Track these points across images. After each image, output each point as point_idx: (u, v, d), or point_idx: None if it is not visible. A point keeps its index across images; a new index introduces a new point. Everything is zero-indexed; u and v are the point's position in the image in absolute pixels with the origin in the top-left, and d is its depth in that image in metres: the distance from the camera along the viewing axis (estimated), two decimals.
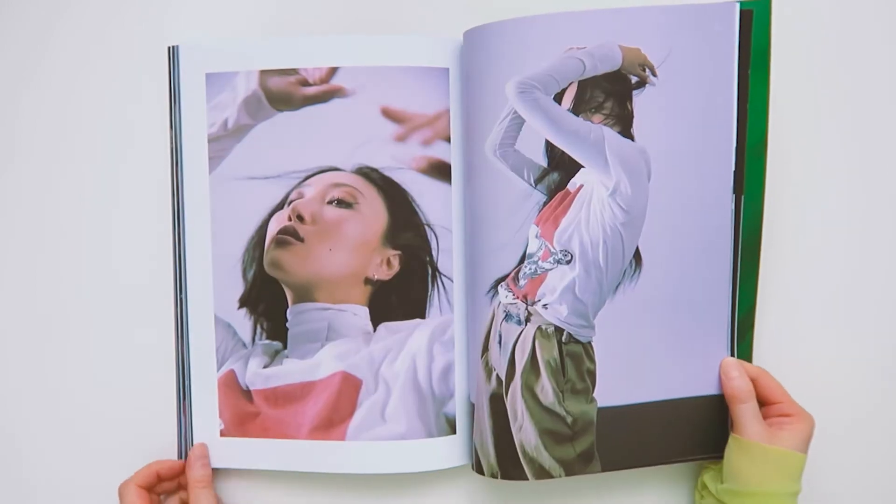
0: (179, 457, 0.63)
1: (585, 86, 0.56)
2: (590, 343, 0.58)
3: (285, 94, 0.60)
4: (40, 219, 0.64)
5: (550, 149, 0.56)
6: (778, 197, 0.61)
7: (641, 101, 0.56)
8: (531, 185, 0.56)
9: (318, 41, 0.60)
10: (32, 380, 0.64)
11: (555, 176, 0.56)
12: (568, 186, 0.57)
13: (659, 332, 0.58)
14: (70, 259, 0.64)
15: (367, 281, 0.61)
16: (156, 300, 0.63)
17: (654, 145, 0.56)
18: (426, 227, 0.61)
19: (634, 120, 0.56)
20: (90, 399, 0.64)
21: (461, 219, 0.60)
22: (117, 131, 0.63)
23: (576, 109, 0.56)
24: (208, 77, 0.60)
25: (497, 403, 0.58)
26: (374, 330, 0.61)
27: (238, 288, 0.61)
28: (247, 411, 0.62)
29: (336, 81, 0.60)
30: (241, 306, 0.62)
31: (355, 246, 0.61)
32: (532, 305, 0.57)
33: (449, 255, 0.61)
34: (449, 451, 0.61)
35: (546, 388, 0.57)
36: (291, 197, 0.61)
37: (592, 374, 0.58)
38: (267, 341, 0.62)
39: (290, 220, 0.61)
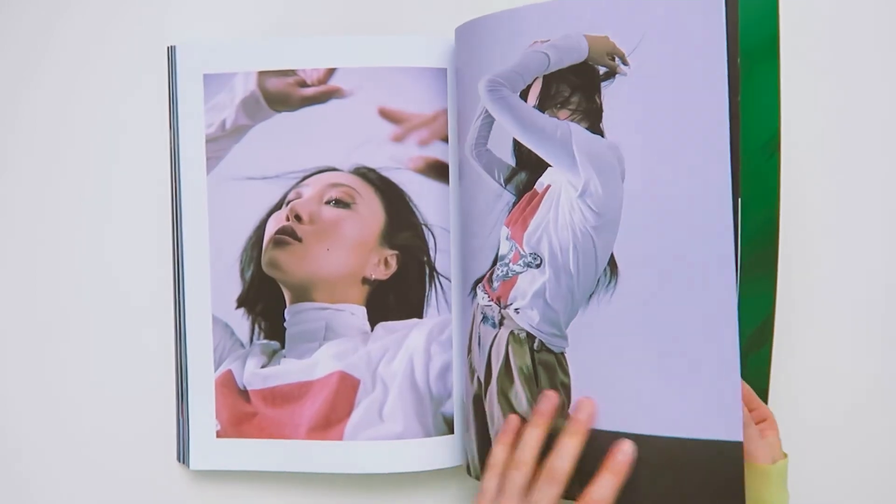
0: (179, 458, 0.62)
1: (550, 80, 0.53)
2: (563, 354, 0.54)
3: (283, 94, 0.60)
4: (38, 219, 0.64)
5: (518, 148, 0.54)
6: (794, 201, 0.59)
7: (612, 94, 0.51)
8: (501, 184, 0.55)
9: (316, 42, 0.60)
10: (30, 381, 0.64)
11: (522, 176, 0.54)
12: (535, 186, 0.54)
13: (642, 352, 0.51)
14: (68, 259, 0.64)
15: (365, 281, 0.61)
16: (154, 300, 0.63)
17: (627, 142, 0.51)
18: (423, 227, 0.61)
19: (604, 114, 0.52)
20: (88, 399, 0.64)
21: (454, 219, 0.61)
22: (115, 132, 0.63)
23: (541, 106, 0.53)
24: (206, 77, 0.61)
25: (478, 405, 0.57)
26: (372, 329, 0.61)
27: (236, 288, 0.61)
28: (244, 411, 0.61)
29: (334, 82, 0.60)
30: (238, 306, 0.62)
31: (353, 246, 0.61)
32: (505, 308, 0.55)
33: (447, 254, 0.61)
34: (446, 451, 0.61)
35: (520, 395, 0.55)
36: (289, 197, 0.61)
37: (567, 388, 0.53)
38: (265, 341, 0.62)
39: (287, 220, 0.61)
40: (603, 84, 0.52)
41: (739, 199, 0.52)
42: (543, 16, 0.53)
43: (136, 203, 0.63)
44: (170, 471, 0.64)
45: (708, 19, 0.50)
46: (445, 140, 0.60)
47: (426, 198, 0.60)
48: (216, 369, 0.62)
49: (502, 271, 0.56)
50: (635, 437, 0.51)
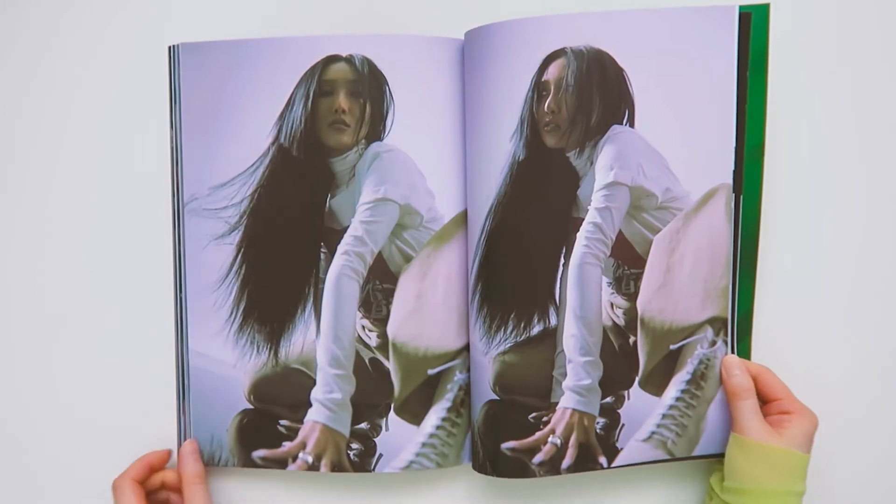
0: None
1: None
2: None
3: None
4: (39, 219, 0.64)
5: None
6: (775, 199, 0.61)
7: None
8: None
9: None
10: (31, 381, 0.64)
11: None
12: None
13: None
14: (68, 259, 0.63)
15: None
16: (154, 300, 0.63)
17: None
18: None
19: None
20: (88, 399, 0.63)
21: None
22: (118, 131, 0.63)
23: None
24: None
25: None
26: None
27: None
28: None
29: None
30: None
31: None
32: None
33: None
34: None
35: None
36: None
37: None
38: None
39: None
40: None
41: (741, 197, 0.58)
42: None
43: (138, 202, 0.63)
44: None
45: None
46: None
47: None
48: None
49: None
50: None
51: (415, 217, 0.59)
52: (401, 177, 0.59)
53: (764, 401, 0.58)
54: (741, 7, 0.56)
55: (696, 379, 0.58)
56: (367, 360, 0.60)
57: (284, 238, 0.60)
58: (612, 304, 0.57)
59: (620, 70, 0.56)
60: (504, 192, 0.57)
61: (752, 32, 0.56)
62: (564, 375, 0.57)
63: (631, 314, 0.58)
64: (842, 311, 0.63)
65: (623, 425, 0.58)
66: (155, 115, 0.62)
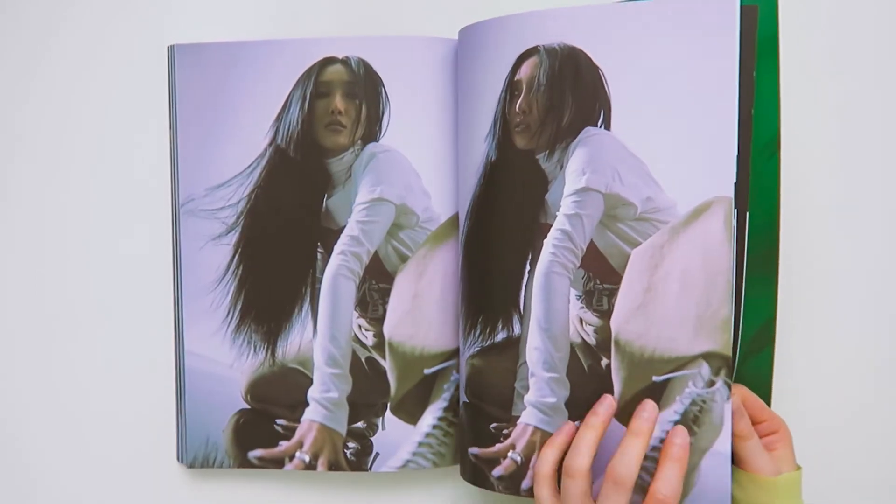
0: (179, 458, 0.63)
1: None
2: None
3: None
4: (37, 220, 0.64)
5: None
6: (793, 202, 0.59)
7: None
8: None
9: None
10: (31, 381, 0.64)
11: None
12: None
13: None
14: (67, 259, 0.64)
15: None
16: (153, 298, 0.63)
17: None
18: None
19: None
20: (88, 399, 0.64)
21: None
22: (116, 131, 0.63)
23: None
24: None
25: None
26: None
27: None
28: None
29: None
30: None
31: None
32: None
33: None
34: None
35: None
36: None
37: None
38: None
39: None
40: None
41: (747, 213, 0.53)
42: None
43: (135, 202, 0.63)
44: (170, 471, 0.64)
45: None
46: None
47: None
48: None
49: None
50: None
51: (410, 217, 0.59)
52: (397, 177, 0.59)
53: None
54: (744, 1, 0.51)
55: (688, 422, 0.52)
56: (363, 360, 0.60)
57: (281, 238, 0.60)
58: (581, 320, 0.54)
59: (596, 69, 0.52)
60: (477, 194, 0.55)
61: (760, 18, 0.52)
62: (527, 389, 0.54)
63: (603, 333, 0.53)
64: (871, 324, 0.61)
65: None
66: (153, 115, 0.62)
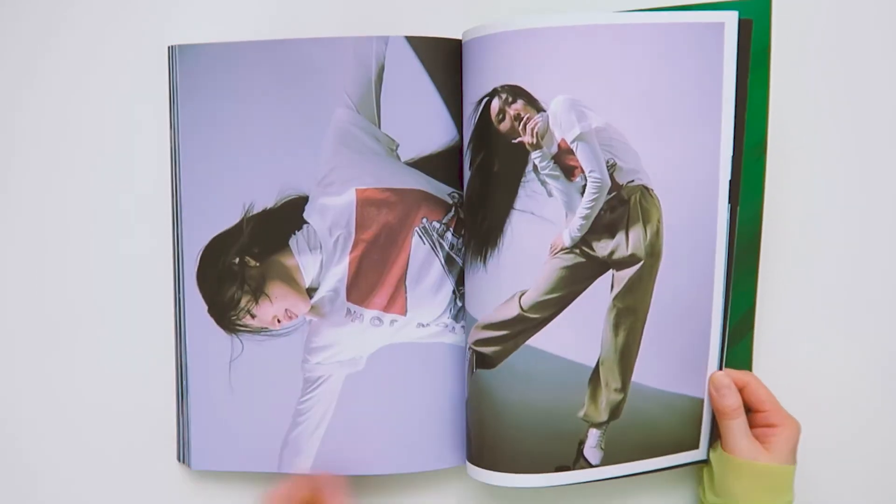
0: (179, 457, 0.63)
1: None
2: None
3: None
4: (38, 220, 0.64)
5: None
6: (776, 199, 0.61)
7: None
8: None
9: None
10: (31, 382, 0.64)
11: None
12: None
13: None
14: (67, 259, 0.64)
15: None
16: (154, 300, 0.63)
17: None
18: None
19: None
20: (88, 399, 0.64)
21: None
22: (118, 131, 0.63)
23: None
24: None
25: None
26: None
27: None
28: None
29: None
30: None
31: None
32: None
33: None
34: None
35: None
36: None
37: None
38: None
39: None
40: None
41: (738, 208, 0.58)
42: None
43: (137, 203, 0.63)
44: (170, 471, 0.64)
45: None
46: None
47: None
48: None
49: None
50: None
51: None
52: None
53: (749, 409, 0.58)
54: (741, 12, 0.55)
55: None
56: None
57: None
58: None
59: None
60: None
61: (754, 30, 0.56)
62: None
63: None
64: (843, 314, 0.64)
65: None
66: (153, 116, 0.62)
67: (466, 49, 0.58)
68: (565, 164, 0.57)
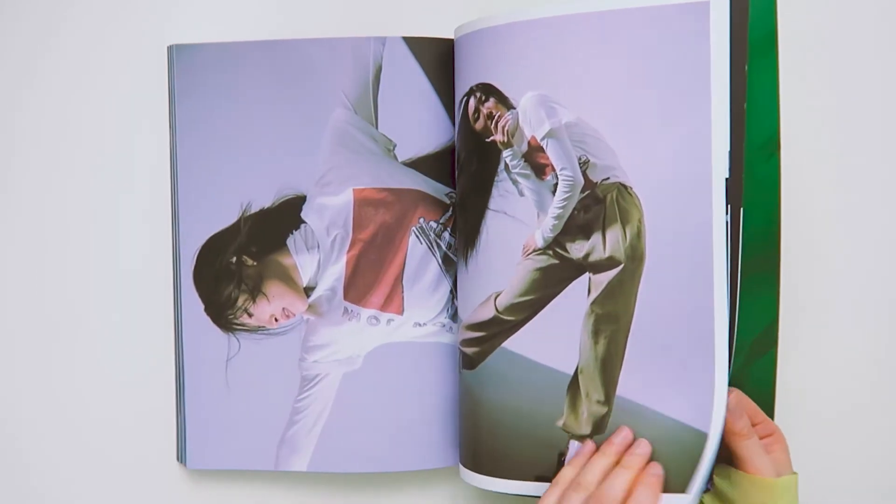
0: (178, 458, 0.63)
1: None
2: None
3: None
4: (37, 221, 0.64)
5: None
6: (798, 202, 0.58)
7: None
8: None
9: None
10: (30, 382, 0.64)
11: None
12: None
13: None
14: (66, 259, 0.64)
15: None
16: (153, 300, 0.64)
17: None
18: None
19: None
20: (87, 400, 0.64)
21: None
22: (117, 131, 0.64)
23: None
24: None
25: None
26: None
27: None
28: None
29: None
30: None
31: None
32: None
33: None
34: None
35: None
36: None
37: None
38: None
39: None
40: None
41: (741, 209, 0.52)
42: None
43: (135, 202, 0.64)
44: (170, 471, 0.64)
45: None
46: None
47: None
48: None
49: None
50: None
51: None
52: None
53: None
54: None
55: None
56: None
57: None
58: None
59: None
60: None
61: (752, 15, 0.50)
62: None
63: None
64: (873, 324, 0.61)
65: None
66: (153, 116, 0.63)
67: (455, 49, 0.58)
68: (536, 162, 0.55)
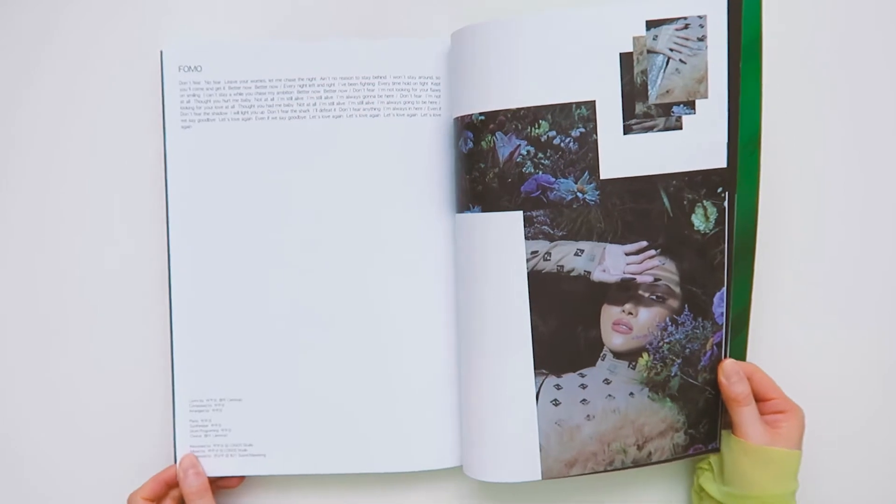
0: (174, 460, 0.62)
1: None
2: None
3: None
4: (32, 223, 0.63)
5: None
6: (773, 193, 0.60)
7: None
8: None
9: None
10: (29, 381, 0.63)
11: None
12: None
13: None
14: (63, 261, 0.63)
15: None
16: (151, 301, 0.62)
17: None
18: None
19: None
20: (86, 400, 0.63)
21: None
22: (110, 134, 0.63)
23: None
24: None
25: None
26: None
27: None
28: None
29: None
30: None
31: None
32: None
33: None
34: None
35: None
36: None
37: None
38: None
39: None
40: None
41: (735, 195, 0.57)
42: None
43: (130, 205, 0.63)
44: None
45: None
46: None
47: None
48: None
49: None
50: None
51: None
52: None
53: (757, 399, 0.58)
54: None
55: None
56: None
57: None
58: None
59: None
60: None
61: (744, 17, 0.54)
62: None
63: None
64: (842, 307, 0.62)
65: None
66: (146, 119, 0.62)
67: None
68: None
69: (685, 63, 0.55)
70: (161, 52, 0.60)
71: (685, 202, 0.56)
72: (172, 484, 0.60)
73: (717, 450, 0.59)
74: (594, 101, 0.55)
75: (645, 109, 0.55)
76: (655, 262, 0.57)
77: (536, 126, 0.56)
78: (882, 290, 0.63)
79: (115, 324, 0.63)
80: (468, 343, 0.60)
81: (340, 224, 0.61)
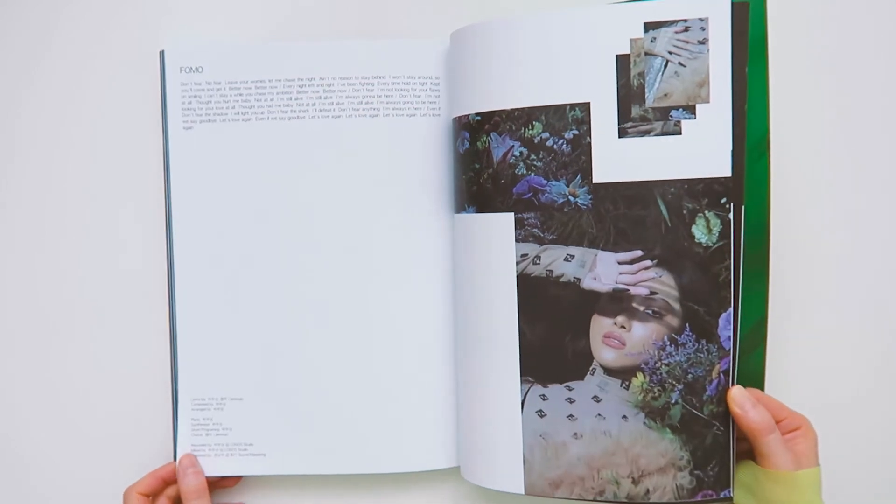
0: (174, 458, 0.62)
1: None
2: None
3: None
4: (33, 223, 0.64)
5: None
6: (784, 202, 0.58)
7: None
8: None
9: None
10: (29, 381, 0.64)
11: None
12: None
13: None
14: (64, 262, 0.64)
15: None
16: (150, 301, 0.63)
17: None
18: None
19: None
20: (86, 400, 0.64)
21: None
22: (111, 135, 0.63)
23: None
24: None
25: None
26: None
27: None
28: None
29: None
30: None
31: None
32: None
33: None
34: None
35: None
36: None
37: None
38: None
39: None
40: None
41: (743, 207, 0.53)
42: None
43: (131, 205, 0.63)
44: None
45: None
46: None
47: None
48: None
49: None
50: None
51: None
52: None
53: None
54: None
55: None
56: None
57: None
58: None
59: None
60: None
61: (751, 18, 0.52)
62: None
63: None
64: (857, 321, 0.60)
65: None
66: (146, 120, 0.62)
67: None
68: None
69: (685, 66, 0.53)
70: (162, 53, 0.61)
71: (685, 211, 0.54)
72: (169, 481, 0.61)
73: (729, 499, 0.54)
74: (588, 103, 0.54)
75: (641, 113, 0.54)
76: (651, 273, 0.54)
77: (530, 127, 0.55)
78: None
79: (118, 323, 0.64)
80: (462, 345, 0.60)
81: (340, 224, 0.62)
